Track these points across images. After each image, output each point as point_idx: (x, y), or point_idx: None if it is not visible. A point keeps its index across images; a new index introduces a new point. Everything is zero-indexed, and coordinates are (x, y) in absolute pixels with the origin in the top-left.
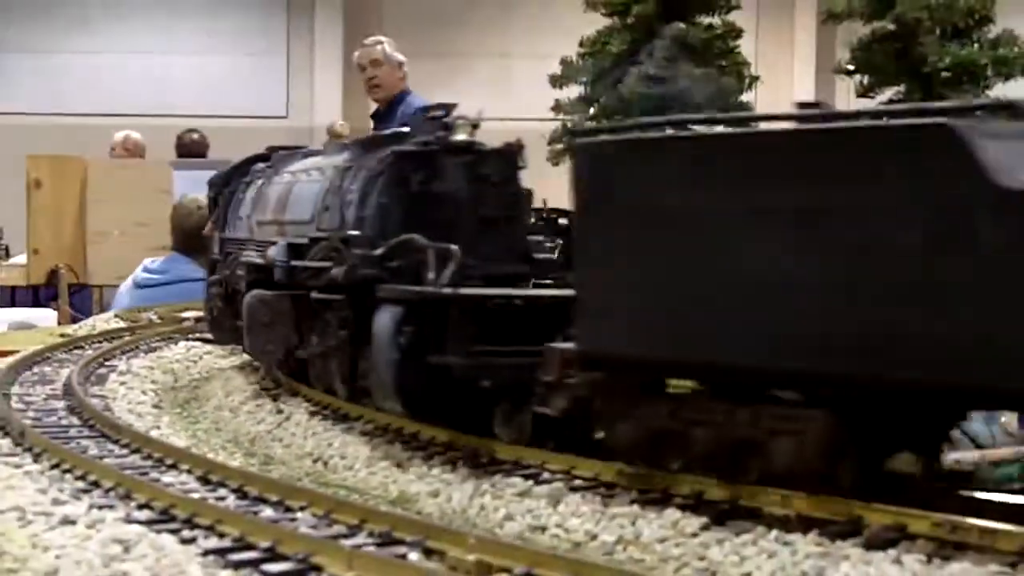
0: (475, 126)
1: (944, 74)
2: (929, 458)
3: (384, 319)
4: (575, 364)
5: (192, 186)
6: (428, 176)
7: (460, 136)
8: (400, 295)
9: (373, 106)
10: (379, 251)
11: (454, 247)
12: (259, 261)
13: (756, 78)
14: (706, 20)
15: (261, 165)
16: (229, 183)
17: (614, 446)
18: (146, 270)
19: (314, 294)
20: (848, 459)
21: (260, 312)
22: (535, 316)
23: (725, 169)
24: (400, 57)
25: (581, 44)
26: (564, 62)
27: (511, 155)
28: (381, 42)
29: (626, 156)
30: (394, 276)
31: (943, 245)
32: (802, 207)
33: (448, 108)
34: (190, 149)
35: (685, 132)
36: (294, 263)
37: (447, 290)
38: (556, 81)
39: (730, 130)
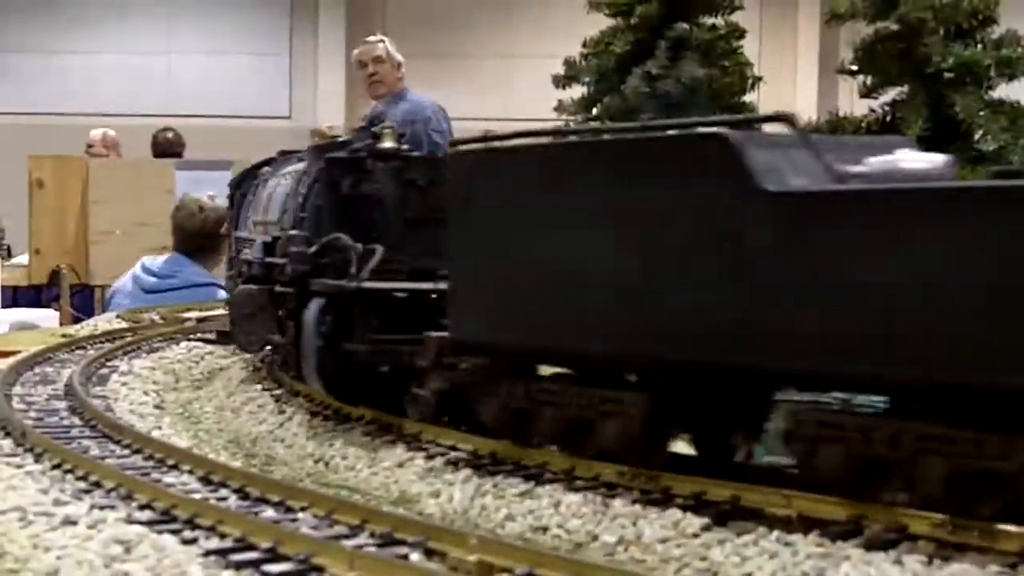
0: (401, 135)
1: (947, 74)
2: (751, 435)
3: (311, 310)
4: (447, 350)
5: (194, 186)
6: (357, 180)
7: (387, 144)
8: (323, 288)
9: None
10: (312, 249)
11: (378, 246)
12: (247, 258)
13: (759, 79)
14: (709, 20)
15: (268, 168)
16: (242, 185)
17: (484, 423)
18: (149, 272)
19: (277, 288)
20: (668, 436)
21: (243, 304)
22: (436, 307)
23: (558, 175)
24: (400, 57)
25: (584, 45)
26: (567, 62)
27: (437, 161)
28: (383, 40)
29: (484, 164)
30: (325, 272)
31: (723, 242)
32: (616, 208)
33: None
34: (164, 148)
35: (528, 142)
36: (266, 260)
37: (353, 284)
38: (559, 82)
39: (561, 140)
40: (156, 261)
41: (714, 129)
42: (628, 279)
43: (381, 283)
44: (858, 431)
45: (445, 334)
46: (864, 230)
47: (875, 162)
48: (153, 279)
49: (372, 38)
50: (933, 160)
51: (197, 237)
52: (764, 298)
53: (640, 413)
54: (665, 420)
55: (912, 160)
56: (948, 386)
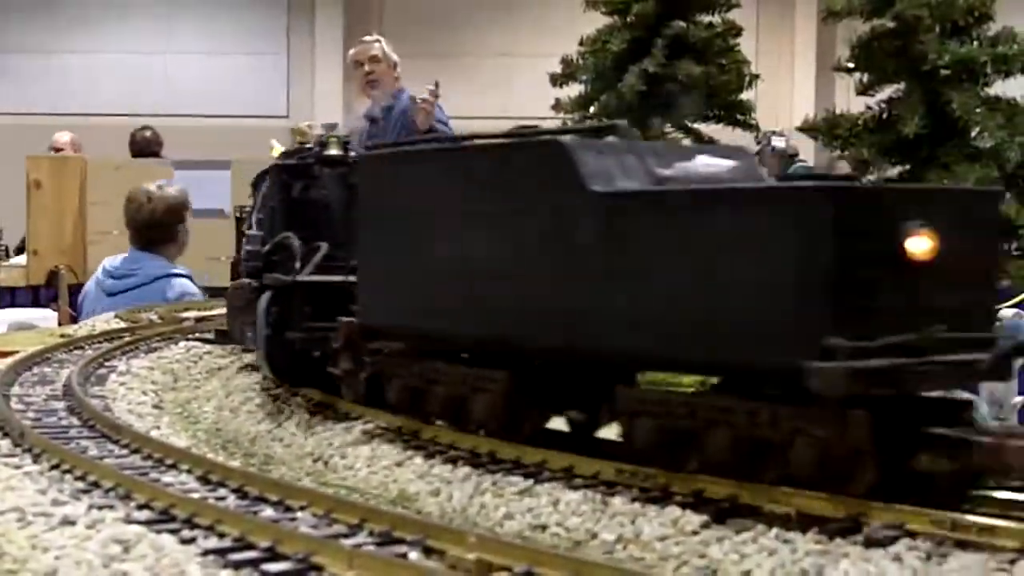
0: (346, 142)
1: (944, 72)
2: (591, 416)
3: (261, 303)
4: (356, 334)
5: (195, 185)
6: (306, 185)
7: (333, 151)
8: (271, 282)
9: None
10: (266, 248)
11: (323, 244)
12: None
13: (756, 76)
14: (706, 19)
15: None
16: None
17: (389, 401)
18: (110, 274)
19: (252, 283)
20: (532, 412)
21: (236, 297)
22: None
23: (442, 178)
24: (396, 57)
25: (581, 43)
26: (564, 61)
27: None
28: (379, 40)
29: (385, 167)
30: (276, 268)
31: (560, 238)
32: (482, 208)
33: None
34: (142, 147)
35: (410, 148)
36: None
37: (291, 278)
38: (556, 80)
39: (445, 146)
40: (115, 261)
41: (554, 136)
42: (489, 271)
43: (313, 277)
44: (663, 406)
45: (353, 319)
46: (657, 227)
47: (679, 166)
48: (111, 281)
49: (368, 38)
50: (725, 164)
51: (149, 228)
52: (594, 289)
53: (502, 390)
54: (526, 397)
55: (706, 164)
56: (731, 366)
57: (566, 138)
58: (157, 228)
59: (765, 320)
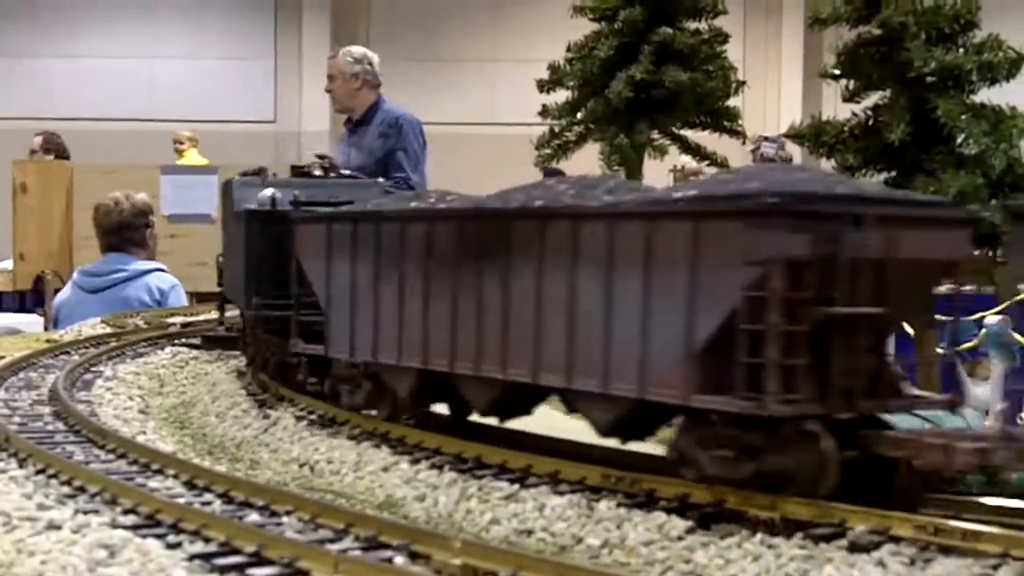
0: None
1: (929, 79)
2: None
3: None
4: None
5: (183, 191)
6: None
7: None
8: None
9: None
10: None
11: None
12: None
13: (743, 83)
14: (693, 25)
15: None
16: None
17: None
18: (90, 274)
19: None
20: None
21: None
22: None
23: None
24: (356, 69)
25: (568, 49)
26: (551, 67)
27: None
28: (336, 55)
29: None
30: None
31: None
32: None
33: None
34: (49, 152)
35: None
36: None
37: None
38: (543, 86)
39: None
40: (90, 265)
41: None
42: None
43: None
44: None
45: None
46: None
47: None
48: (96, 278)
49: (330, 52)
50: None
51: (120, 232)
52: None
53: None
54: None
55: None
56: None
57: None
58: (128, 230)
59: None
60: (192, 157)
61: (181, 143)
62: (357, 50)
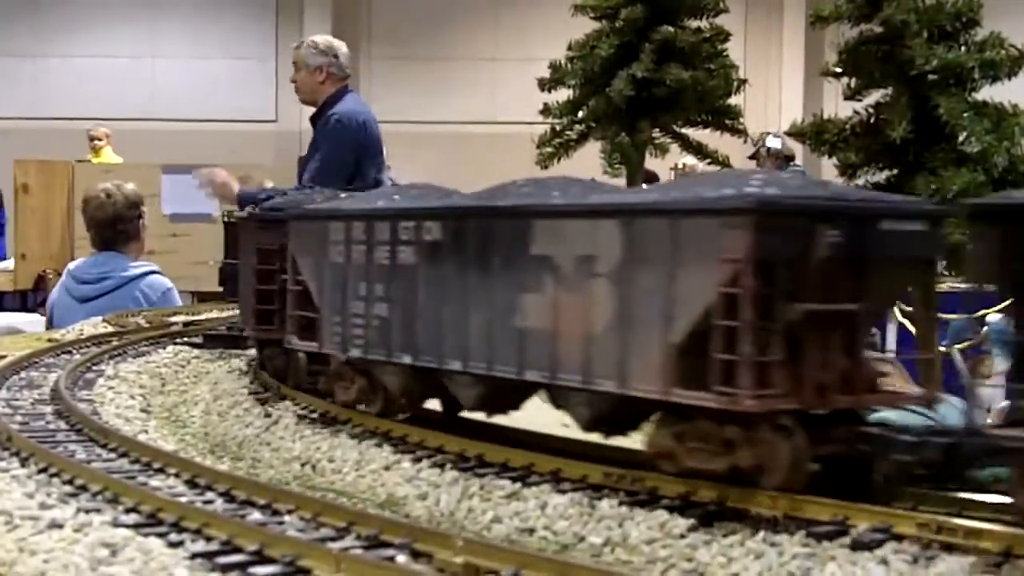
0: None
1: (931, 76)
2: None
3: None
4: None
5: (184, 190)
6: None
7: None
8: None
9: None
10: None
11: None
12: None
13: (744, 81)
14: (694, 23)
15: None
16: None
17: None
18: (79, 280)
19: None
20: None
21: None
22: None
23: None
24: (320, 61)
25: (569, 48)
26: (552, 65)
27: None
28: (300, 45)
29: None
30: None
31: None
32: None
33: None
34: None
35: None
36: None
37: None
38: (544, 84)
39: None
40: (83, 265)
41: None
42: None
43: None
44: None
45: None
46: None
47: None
48: (85, 287)
49: (295, 43)
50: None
51: (114, 225)
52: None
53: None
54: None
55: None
56: None
57: None
58: (122, 222)
59: None
60: (107, 155)
61: (99, 139)
62: (322, 40)
